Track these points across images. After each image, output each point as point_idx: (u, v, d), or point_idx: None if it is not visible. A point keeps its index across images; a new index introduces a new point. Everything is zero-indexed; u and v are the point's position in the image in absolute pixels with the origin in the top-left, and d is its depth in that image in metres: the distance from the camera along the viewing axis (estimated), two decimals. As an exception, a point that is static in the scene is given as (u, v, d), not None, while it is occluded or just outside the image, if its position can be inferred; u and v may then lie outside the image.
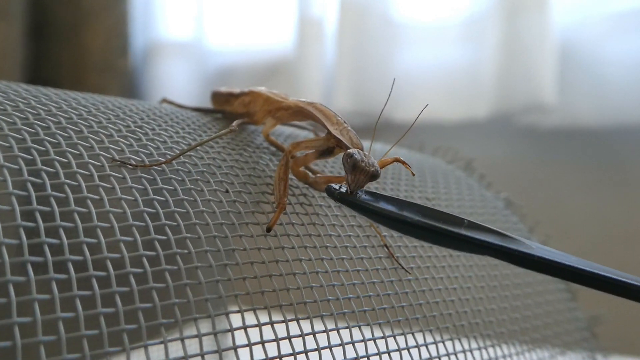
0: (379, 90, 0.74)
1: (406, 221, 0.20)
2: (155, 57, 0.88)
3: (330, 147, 0.25)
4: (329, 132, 0.25)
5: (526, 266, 0.20)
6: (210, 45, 0.87)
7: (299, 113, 0.28)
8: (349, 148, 0.24)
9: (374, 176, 0.22)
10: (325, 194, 0.25)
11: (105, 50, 0.84)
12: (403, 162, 0.24)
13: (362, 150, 0.23)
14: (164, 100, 0.32)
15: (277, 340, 0.21)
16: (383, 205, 0.21)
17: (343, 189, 0.22)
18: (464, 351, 0.26)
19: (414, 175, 0.24)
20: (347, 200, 0.22)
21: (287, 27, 0.81)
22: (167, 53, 0.88)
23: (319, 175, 0.26)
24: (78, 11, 0.83)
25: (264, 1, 0.86)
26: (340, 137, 0.24)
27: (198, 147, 0.25)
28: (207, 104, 0.33)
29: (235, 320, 0.21)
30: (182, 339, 0.19)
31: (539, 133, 0.69)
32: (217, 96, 0.32)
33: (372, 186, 0.29)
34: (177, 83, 0.87)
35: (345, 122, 0.25)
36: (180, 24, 0.88)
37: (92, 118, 0.23)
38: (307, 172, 0.25)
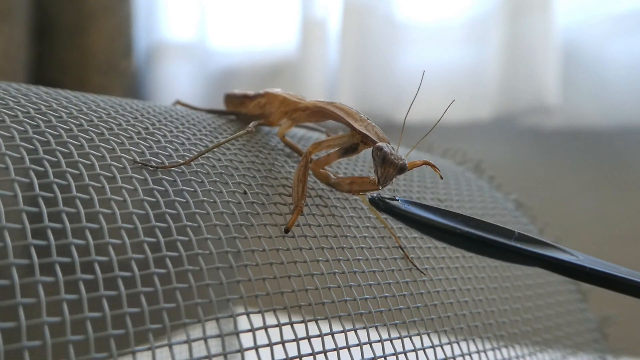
0: (382, 90, 0.74)
1: (455, 232, 0.20)
2: (158, 58, 0.88)
3: (354, 144, 0.25)
4: (354, 129, 0.25)
5: (577, 277, 0.20)
6: (214, 46, 0.87)
7: (317, 113, 0.28)
8: (376, 143, 0.24)
9: (402, 169, 0.23)
10: (336, 193, 0.25)
11: (108, 51, 0.84)
12: (432, 166, 0.24)
13: (389, 144, 0.24)
14: (178, 103, 0.32)
15: (296, 340, 0.21)
16: (429, 215, 0.21)
17: (384, 196, 0.22)
18: (478, 352, 0.26)
19: (442, 178, 0.24)
20: (393, 211, 0.22)
21: (290, 27, 0.81)
22: (170, 54, 0.88)
23: (340, 176, 0.26)
24: (81, 12, 0.83)
25: (267, 2, 0.86)
26: (367, 133, 0.24)
27: (215, 149, 0.25)
28: (211, 104, 0.33)
29: (256, 320, 0.21)
30: (205, 339, 0.19)
31: (543, 134, 0.69)
32: (230, 98, 0.32)
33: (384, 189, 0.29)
34: (180, 84, 0.87)
35: (368, 119, 0.25)
36: (183, 25, 0.88)
37: (112, 120, 0.23)
38: (329, 173, 0.25)
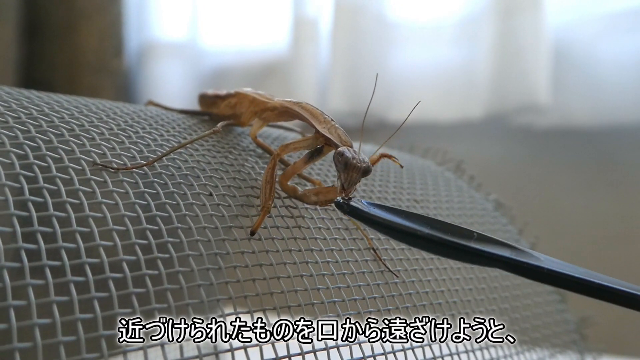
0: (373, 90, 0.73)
1: (416, 234, 0.20)
2: (149, 58, 0.88)
3: (319, 146, 0.25)
4: (317, 131, 0.25)
5: (536, 279, 0.20)
6: (205, 45, 0.86)
7: (285, 113, 0.27)
8: (339, 146, 0.23)
9: (366, 172, 0.23)
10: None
11: (99, 50, 0.83)
12: (390, 157, 0.24)
13: (351, 147, 0.23)
14: (150, 103, 0.32)
15: (259, 344, 0.21)
16: (392, 217, 0.21)
17: (353, 203, 0.22)
18: (451, 354, 0.25)
19: (402, 167, 0.24)
20: (357, 213, 0.22)
21: (281, 27, 0.81)
22: (161, 53, 0.87)
23: (307, 188, 0.25)
24: (72, 11, 0.83)
25: (259, 1, 0.86)
26: (329, 135, 0.24)
27: (182, 150, 0.24)
28: (197, 109, 0.33)
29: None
30: (162, 345, 0.19)
31: (533, 133, 0.69)
32: (203, 98, 0.31)
33: (359, 189, 0.29)
34: (171, 83, 0.86)
35: (332, 120, 0.25)
36: (174, 24, 0.87)
37: (74, 121, 0.23)
38: (295, 186, 0.25)
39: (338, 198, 0.22)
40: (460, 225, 0.21)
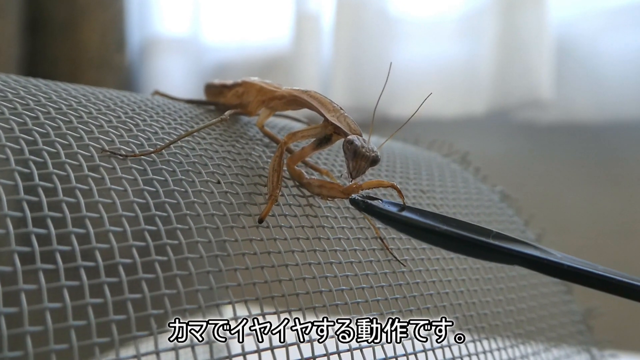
0: (375, 85, 0.73)
1: (435, 231, 0.20)
2: (151, 53, 0.88)
3: (327, 135, 0.25)
4: (326, 120, 0.25)
5: (556, 275, 0.20)
6: (207, 40, 0.86)
7: (293, 102, 0.27)
8: (348, 134, 0.23)
9: (374, 161, 0.23)
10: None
11: (101, 45, 0.83)
12: (398, 191, 0.24)
13: (361, 136, 0.23)
14: (156, 93, 0.32)
15: (269, 331, 0.21)
16: (408, 215, 0.21)
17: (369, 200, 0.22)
18: (457, 344, 0.25)
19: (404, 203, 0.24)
20: (373, 210, 0.22)
21: (283, 22, 0.81)
22: (163, 48, 0.87)
23: (313, 177, 0.25)
24: (74, 7, 0.83)
25: (261, -3, 0.86)
26: (338, 124, 0.24)
27: (189, 138, 0.24)
28: (203, 99, 0.33)
29: (227, 312, 0.21)
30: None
31: (536, 128, 0.69)
32: (210, 88, 0.32)
33: (366, 179, 0.29)
34: (173, 78, 0.86)
35: (341, 109, 0.25)
36: (176, 19, 0.87)
37: (82, 109, 0.23)
38: (302, 172, 0.25)
39: (354, 195, 0.23)
40: (476, 224, 0.21)
